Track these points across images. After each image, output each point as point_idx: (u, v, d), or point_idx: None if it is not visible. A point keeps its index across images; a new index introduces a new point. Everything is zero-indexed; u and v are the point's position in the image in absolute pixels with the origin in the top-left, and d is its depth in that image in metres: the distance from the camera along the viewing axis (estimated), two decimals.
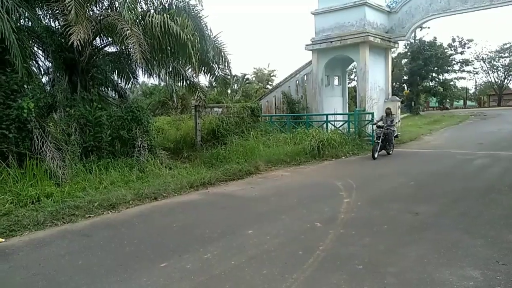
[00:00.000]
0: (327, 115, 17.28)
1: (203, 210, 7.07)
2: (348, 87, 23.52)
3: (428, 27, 40.69)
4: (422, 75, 42.91)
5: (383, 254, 4.55)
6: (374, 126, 13.91)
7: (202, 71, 12.53)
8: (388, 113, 13.44)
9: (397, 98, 20.45)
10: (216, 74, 12.94)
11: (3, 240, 5.40)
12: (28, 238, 5.51)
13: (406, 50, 44.35)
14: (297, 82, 20.61)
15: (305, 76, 20.23)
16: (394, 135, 13.47)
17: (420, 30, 39.13)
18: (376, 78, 18.45)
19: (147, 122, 10.61)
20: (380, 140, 12.64)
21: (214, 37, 11.94)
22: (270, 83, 39.87)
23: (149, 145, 10.41)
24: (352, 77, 37.65)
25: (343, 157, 13.02)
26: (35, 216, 6.11)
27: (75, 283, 3.98)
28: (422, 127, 24.41)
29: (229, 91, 27.69)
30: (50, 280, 4.09)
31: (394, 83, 36.12)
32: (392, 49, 21.26)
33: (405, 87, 45.14)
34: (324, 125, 16.50)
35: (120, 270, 4.31)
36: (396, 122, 13.80)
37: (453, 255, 4.42)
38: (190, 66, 11.47)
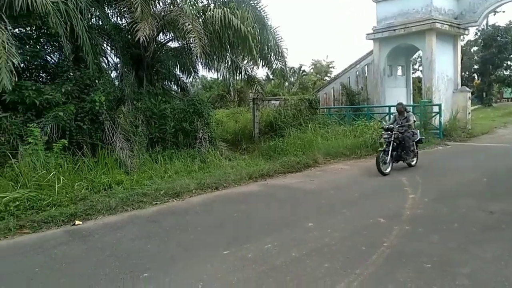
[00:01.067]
0: (389, 106, 16.54)
1: (262, 201, 7.13)
2: (412, 77, 22.34)
3: (503, 11, 37.62)
4: (496, 63, 39.61)
5: (453, 252, 4.28)
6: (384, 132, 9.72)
7: (261, 64, 12.57)
8: (401, 110, 9.76)
9: (467, 89, 19.02)
10: (274, 66, 12.91)
11: (81, 222, 5.87)
12: (102, 222, 5.93)
13: (477, 37, 41.17)
14: (357, 73, 19.96)
15: (366, 66, 19.53)
16: (416, 139, 9.66)
17: (494, 14, 36.02)
18: (443, 68, 17.33)
19: (207, 115, 10.91)
20: (391, 147, 9.01)
21: (274, 28, 11.92)
22: (328, 74, 39.05)
23: (210, 137, 10.71)
24: (416, 66, 35.74)
25: None
26: (107, 201, 6.55)
27: (144, 266, 4.21)
28: (496, 120, 22.63)
29: (286, 84, 27.56)
30: (122, 262, 4.36)
31: (463, 73, 33.66)
32: (462, 36, 19.80)
33: (476, 77, 42.00)
34: (386, 117, 15.84)
35: (185, 256, 4.48)
36: (414, 121, 9.68)
37: None
38: (250, 58, 11.55)
